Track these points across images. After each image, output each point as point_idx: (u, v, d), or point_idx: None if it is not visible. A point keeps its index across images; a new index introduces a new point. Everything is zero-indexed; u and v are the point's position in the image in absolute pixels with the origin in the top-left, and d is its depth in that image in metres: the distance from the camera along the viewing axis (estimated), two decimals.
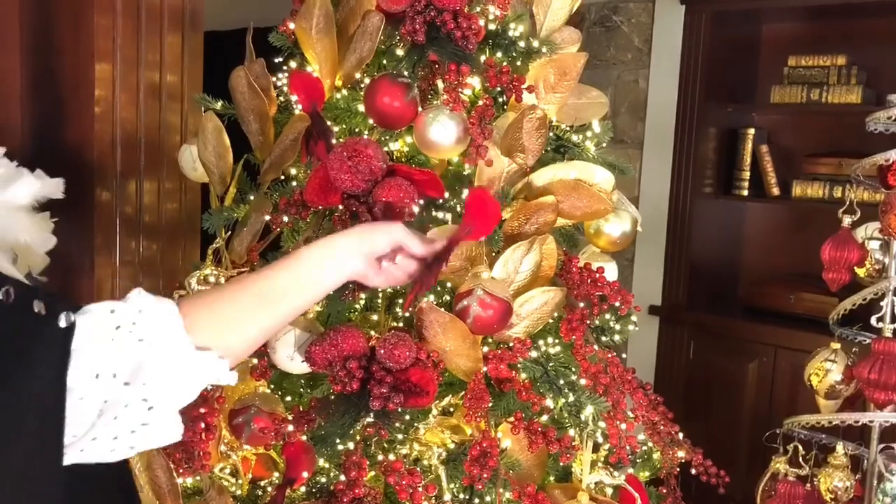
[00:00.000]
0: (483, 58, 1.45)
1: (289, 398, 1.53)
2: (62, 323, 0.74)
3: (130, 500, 1.03)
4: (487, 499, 1.38)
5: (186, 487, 1.52)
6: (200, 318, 0.88)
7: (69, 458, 0.78)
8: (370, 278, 1.05)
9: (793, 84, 3.28)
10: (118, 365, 0.79)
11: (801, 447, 1.85)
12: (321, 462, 1.45)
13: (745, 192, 3.47)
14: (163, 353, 0.83)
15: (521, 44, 1.49)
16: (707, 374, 3.37)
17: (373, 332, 1.44)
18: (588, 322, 1.47)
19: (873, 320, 1.77)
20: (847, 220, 1.83)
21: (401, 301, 1.51)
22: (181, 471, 1.38)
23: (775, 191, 3.41)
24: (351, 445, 1.36)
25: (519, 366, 1.42)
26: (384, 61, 1.50)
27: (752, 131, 3.43)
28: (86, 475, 0.81)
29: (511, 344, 1.41)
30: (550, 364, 1.44)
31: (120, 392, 0.79)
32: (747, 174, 3.45)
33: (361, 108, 1.47)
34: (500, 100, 1.54)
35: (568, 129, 1.60)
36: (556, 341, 1.48)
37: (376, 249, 1.04)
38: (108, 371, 0.78)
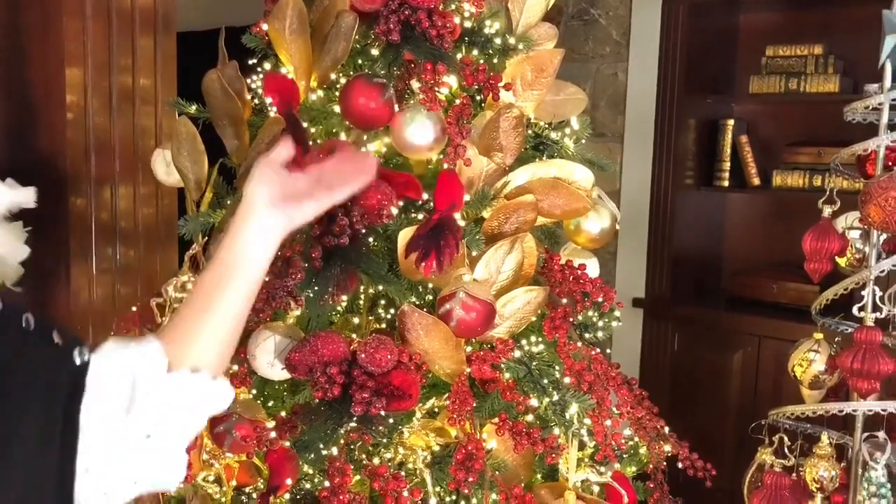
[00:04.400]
0: (459, 56, 1.43)
1: (271, 403, 1.52)
2: (77, 358, 0.78)
3: None
4: (474, 501, 1.37)
5: (169, 497, 1.50)
6: (176, 343, 0.89)
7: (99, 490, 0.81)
8: (295, 217, 0.96)
9: (771, 74, 3.28)
10: (122, 402, 0.82)
11: (786, 438, 1.85)
12: (305, 468, 1.43)
13: (726, 183, 3.47)
14: (153, 389, 0.85)
15: (498, 41, 1.47)
16: (692, 366, 3.38)
17: (354, 336, 1.42)
18: (571, 319, 1.46)
19: (855, 310, 1.77)
20: (827, 211, 1.82)
21: (383, 302, 1.49)
22: None
23: (756, 181, 3.42)
24: (335, 451, 1.34)
25: (503, 366, 1.41)
26: (359, 61, 1.48)
27: (731, 122, 3.43)
28: None
29: (494, 344, 1.39)
30: (534, 363, 1.44)
31: (123, 427, 0.82)
32: (727, 165, 3.46)
33: (337, 109, 1.45)
34: (478, 98, 1.53)
35: (546, 126, 1.59)
36: (540, 340, 1.47)
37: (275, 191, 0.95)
38: (112, 408, 0.81)
